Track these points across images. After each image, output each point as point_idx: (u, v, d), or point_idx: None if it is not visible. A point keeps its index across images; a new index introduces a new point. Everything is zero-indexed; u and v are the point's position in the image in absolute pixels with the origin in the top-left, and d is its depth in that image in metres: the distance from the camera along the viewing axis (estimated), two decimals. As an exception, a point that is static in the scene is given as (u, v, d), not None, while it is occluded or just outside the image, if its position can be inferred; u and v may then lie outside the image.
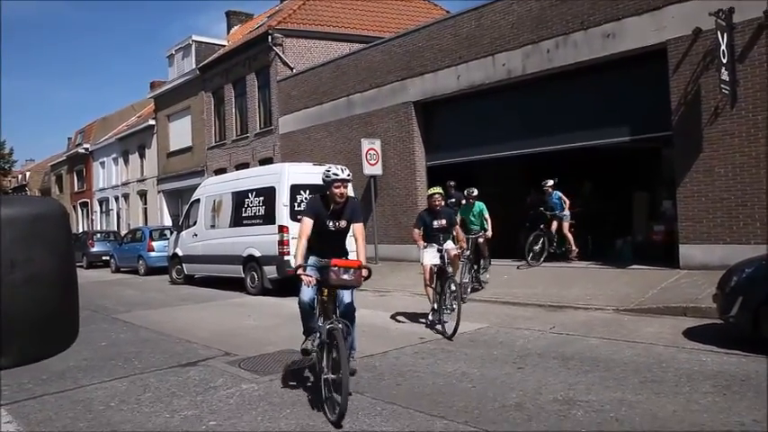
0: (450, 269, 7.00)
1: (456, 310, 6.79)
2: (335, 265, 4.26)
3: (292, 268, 10.96)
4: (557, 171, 12.03)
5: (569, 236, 11.64)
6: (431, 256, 7.15)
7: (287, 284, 11.33)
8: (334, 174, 4.56)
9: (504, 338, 6.65)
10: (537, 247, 11.45)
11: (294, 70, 19.62)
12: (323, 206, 4.65)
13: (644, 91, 10.53)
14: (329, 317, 4.45)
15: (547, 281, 10.12)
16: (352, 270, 4.27)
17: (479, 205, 9.96)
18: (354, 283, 4.29)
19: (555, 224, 11.60)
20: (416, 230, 7.30)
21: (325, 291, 4.48)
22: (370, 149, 14.92)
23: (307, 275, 4.38)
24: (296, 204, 11.24)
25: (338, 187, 4.57)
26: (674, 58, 9.73)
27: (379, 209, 15.26)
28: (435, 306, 7.19)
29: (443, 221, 7.27)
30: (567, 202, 11.62)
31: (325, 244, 4.66)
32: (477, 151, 13.45)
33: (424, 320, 7.56)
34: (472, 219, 9.94)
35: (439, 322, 7.06)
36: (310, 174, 11.74)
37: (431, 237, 7.22)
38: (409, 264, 13.51)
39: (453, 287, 6.94)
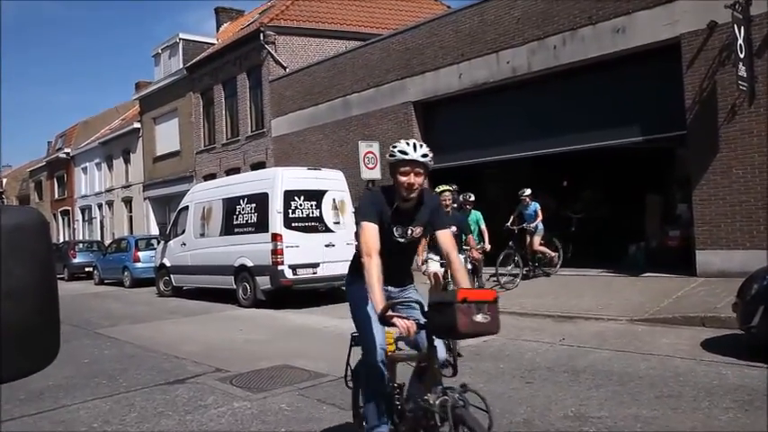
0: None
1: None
2: (466, 300, 2.61)
3: (287, 279, 11.13)
4: (566, 174, 12.05)
5: (542, 249, 11.43)
6: (436, 267, 6.61)
7: (281, 296, 11.33)
8: (401, 151, 3.01)
9: (512, 351, 6.62)
10: (508, 268, 10.93)
11: (287, 69, 19.64)
12: (386, 203, 3.11)
13: (656, 88, 10.56)
14: (436, 382, 2.86)
15: (556, 290, 10.11)
16: (486, 305, 2.67)
17: (476, 214, 9.24)
18: (493, 328, 2.69)
19: (528, 239, 11.29)
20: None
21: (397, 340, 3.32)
22: (367, 152, 14.90)
23: (403, 320, 2.79)
24: (290, 211, 11.23)
25: (406, 173, 3.00)
26: (689, 53, 9.76)
27: (378, 215, 15.23)
28: None
29: (453, 228, 6.43)
30: (540, 215, 11.33)
31: (388, 264, 3.01)
32: (481, 154, 13.46)
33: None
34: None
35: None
36: (305, 179, 11.76)
37: (436, 246, 6.47)
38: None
39: None
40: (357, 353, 3.43)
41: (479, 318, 2.65)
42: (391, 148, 3.12)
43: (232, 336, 8.54)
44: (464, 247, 6.88)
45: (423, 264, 6.67)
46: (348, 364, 3.65)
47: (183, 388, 5.66)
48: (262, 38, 19.76)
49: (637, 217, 12.68)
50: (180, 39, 25.23)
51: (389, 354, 3.29)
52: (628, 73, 10.95)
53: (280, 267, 10.97)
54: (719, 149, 9.41)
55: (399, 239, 3.18)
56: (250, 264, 11.56)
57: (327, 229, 11.62)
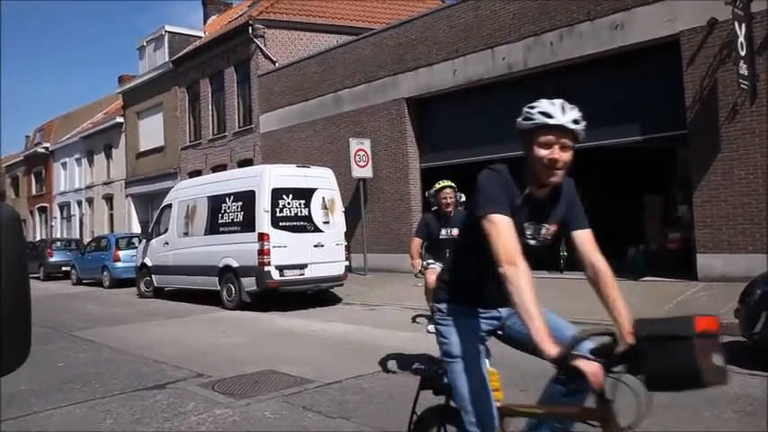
0: None
1: None
2: (706, 332, 1.87)
3: (273, 280, 11.06)
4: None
5: None
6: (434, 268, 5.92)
7: (266, 298, 11.25)
8: (543, 113, 2.23)
9: (512, 358, 6.56)
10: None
11: (277, 64, 19.57)
12: (517, 189, 2.31)
13: (656, 86, 10.56)
14: None
15: (552, 294, 10.06)
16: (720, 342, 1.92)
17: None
18: (726, 378, 1.96)
19: None
20: (416, 240, 5.97)
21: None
22: (359, 150, 14.87)
23: (589, 362, 1.97)
24: (277, 210, 11.16)
25: (548, 144, 2.23)
26: (688, 50, 9.77)
27: (369, 215, 15.20)
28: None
29: (455, 231, 5.75)
30: None
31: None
32: (476, 152, 13.41)
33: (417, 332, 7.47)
34: None
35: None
36: (294, 176, 11.69)
37: (436, 251, 5.89)
38: (401, 275, 13.43)
39: None
40: (427, 398, 2.69)
41: (718, 360, 1.85)
42: (527, 110, 2.30)
43: (215, 339, 8.47)
44: None
45: (421, 272, 5.88)
46: (414, 411, 2.74)
47: (163, 394, 5.57)
48: (250, 31, 19.68)
49: (636, 219, 12.69)
50: (166, 31, 25.09)
51: (504, 406, 2.37)
52: (626, 70, 10.96)
53: (266, 268, 10.90)
54: (721, 149, 9.42)
55: (530, 241, 2.36)
56: (235, 264, 11.48)
57: (316, 229, 11.55)
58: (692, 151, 9.87)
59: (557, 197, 2.41)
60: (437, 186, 5.95)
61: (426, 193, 13.86)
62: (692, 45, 9.74)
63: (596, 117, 11.31)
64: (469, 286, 2.42)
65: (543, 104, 2.28)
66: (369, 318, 9.74)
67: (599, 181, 14.03)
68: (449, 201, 5.86)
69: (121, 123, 28.51)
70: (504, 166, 2.42)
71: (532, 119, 2.27)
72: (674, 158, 12.11)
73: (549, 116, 2.23)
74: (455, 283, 2.48)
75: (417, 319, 8.97)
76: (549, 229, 2.43)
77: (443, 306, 2.49)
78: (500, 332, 2.50)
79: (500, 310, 2.50)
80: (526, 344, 2.19)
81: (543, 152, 2.24)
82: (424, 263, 5.88)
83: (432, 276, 5.69)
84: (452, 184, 5.92)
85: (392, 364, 5.95)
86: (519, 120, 2.33)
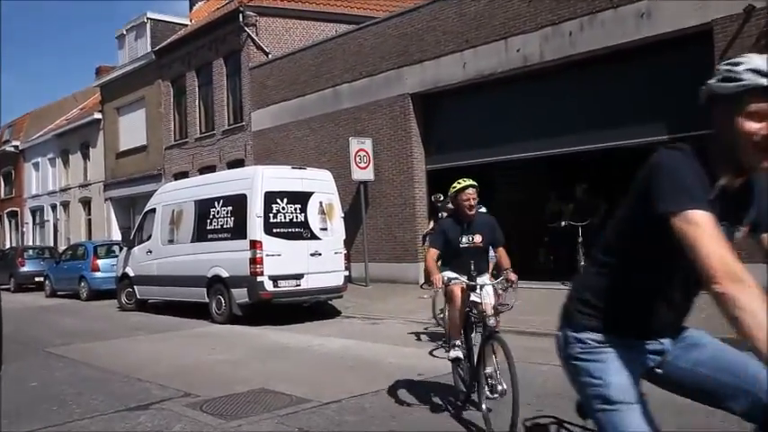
0: (491, 322, 4.94)
1: (507, 392, 4.78)
2: None
3: (266, 291, 11.12)
4: (582, 176, 12.10)
5: None
6: (489, 296, 5.35)
7: (259, 311, 11.30)
8: (754, 70, 1.84)
9: (519, 375, 6.62)
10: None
11: (270, 55, 19.67)
12: (706, 178, 1.95)
13: (685, 81, 10.54)
14: None
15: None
16: None
17: None
18: None
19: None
20: (433, 251, 5.45)
21: None
22: (359, 150, 14.95)
23: None
24: (271, 215, 11.22)
25: (763, 115, 1.84)
26: (722, 41, 9.84)
27: (371, 221, 15.27)
28: (462, 367, 5.49)
29: (478, 238, 5.47)
30: None
31: (675, 297, 2.13)
32: (487, 153, 13.51)
33: (425, 350, 7.53)
34: None
35: (467, 401, 5.29)
36: (289, 179, 11.76)
37: (457, 263, 5.37)
38: (405, 286, 13.49)
39: (499, 355, 4.91)
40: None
41: None
42: (728, 68, 1.89)
43: (203, 355, 8.51)
44: (501, 270, 5.56)
45: (440, 286, 5.30)
46: None
47: (146, 415, 5.62)
48: (241, 19, 19.79)
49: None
50: (148, 18, 25.24)
51: None
52: (653, 63, 11.02)
53: (259, 278, 10.95)
54: (755, 150, 9.47)
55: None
56: (225, 274, 11.54)
57: (313, 236, 11.62)
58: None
59: (750, 190, 1.99)
60: (457, 186, 5.41)
61: (432, 198, 13.86)
62: (726, 35, 9.80)
63: (620, 115, 11.45)
64: (634, 311, 2.04)
65: (753, 60, 1.83)
66: (370, 332, 9.78)
67: (621, 186, 14.11)
68: (472, 202, 5.36)
69: (99, 120, 28.60)
70: (687, 146, 2.00)
71: (739, 79, 1.83)
72: (705, 161, 12.16)
73: (766, 75, 1.79)
74: (612, 307, 2.04)
75: (421, 336, 9.03)
76: (742, 234, 2.04)
77: (592, 336, 2.06)
78: (658, 370, 2.15)
79: (662, 341, 2.15)
80: (696, 387, 1.99)
81: (755, 125, 1.81)
82: (445, 277, 5.25)
83: (458, 292, 5.21)
84: (475, 183, 5.40)
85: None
86: (713, 81, 1.91)
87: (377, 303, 12.37)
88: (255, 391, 6.28)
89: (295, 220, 11.53)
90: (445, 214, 11.77)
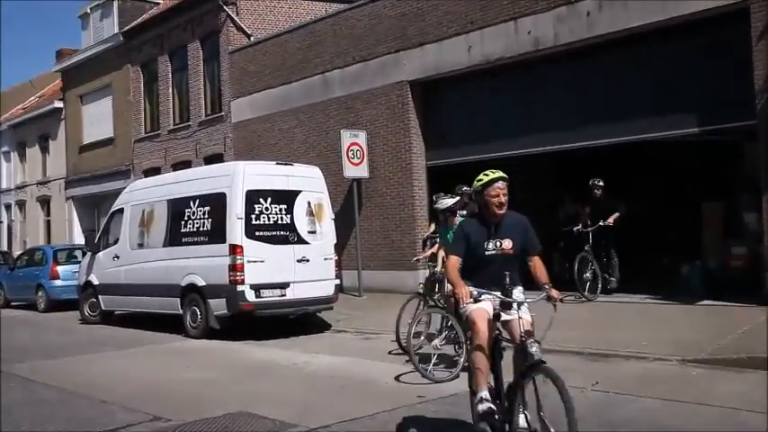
0: (534, 349, 4.48)
1: None
2: None
3: (248, 302, 11.06)
4: (601, 172, 12.07)
5: None
6: (483, 306, 4.82)
7: (240, 324, 11.26)
8: None
9: (531, 397, 6.58)
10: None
11: (252, 38, 19.65)
12: None
13: (717, 67, 10.63)
14: None
15: (589, 320, 10.11)
16: None
17: (461, 223, 8.72)
18: None
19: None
20: (455, 259, 4.93)
21: None
22: (352, 144, 14.93)
23: None
24: (253, 217, 11.17)
25: None
26: (759, 20, 9.84)
27: (365, 223, 15.24)
28: (492, 407, 4.75)
29: (508, 243, 4.94)
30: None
31: None
32: (494, 148, 13.47)
33: (421, 369, 7.39)
34: None
35: None
36: (273, 176, 11.72)
37: (481, 275, 4.88)
38: (403, 296, 13.41)
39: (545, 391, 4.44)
40: None
41: None
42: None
43: (176, 374, 8.48)
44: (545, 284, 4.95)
45: (469, 301, 4.69)
46: None
47: (112, 441, 5.59)
48: (220, -3, 19.77)
49: (692, 230, 12.74)
50: (116, -4, 25.19)
51: None
52: (681, 47, 11.02)
53: (239, 288, 10.89)
54: (796, 145, 9.48)
55: None
56: (201, 283, 11.49)
57: (300, 240, 11.58)
58: (763, 147, 9.92)
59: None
60: (484, 178, 4.88)
61: (434, 197, 13.85)
62: (763, 14, 9.79)
63: (643, 105, 11.43)
64: None
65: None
66: (363, 348, 9.74)
67: (646, 183, 14.11)
68: (502, 199, 4.83)
69: (60, 109, 28.54)
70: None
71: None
72: (739, 156, 12.16)
73: None
74: None
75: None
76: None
77: None
78: None
79: None
80: None
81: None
82: (475, 291, 4.64)
83: (482, 323, 4.71)
84: (505, 176, 4.91)
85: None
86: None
87: (371, 316, 12.33)
88: (234, 415, 6.24)
89: (280, 222, 11.48)
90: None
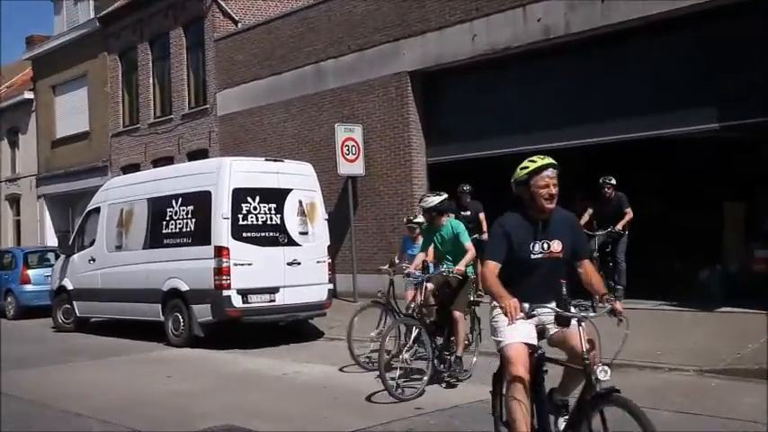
0: (603, 375, 4.03)
1: None
2: None
3: (234, 308, 11.09)
4: (614, 170, 12.11)
5: None
6: (523, 333, 4.34)
7: (225, 331, 11.28)
8: None
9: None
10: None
11: (240, 25, 19.64)
12: None
13: (740, 58, 10.67)
14: None
15: (600, 328, 10.14)
16: None
17: (454, 225, 8.11)
18: None
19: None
20: (493, 264, 4.36)
21: None
22: (347, 139, 14.94)
23: None
24: (240, 217, 11.20)
25: None
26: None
27: (360, 223, 15.26)
28: None
29: (557, 245, 4.46)
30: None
31: None
32: (500, 144, 13.51)
33: (419, 382, 7.46)
34: (441, 249, 8.15)
35: None
36: (262, 173, 11.75)
37: (526, 284, 4.38)
38: (401, 302, 13.43)
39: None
40: None
41: None
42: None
43: (157, 385, 8.50)
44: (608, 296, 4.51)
45: (520, 316, 4.10)
46: None
47: (89, 456, 5.63)
48: (205, -20, 19.80)
49: (712, 231, 12.78)
50: (92, -22, 25.18)
51: None
52: (701, 37, 11.06)
53: (225, 293, 10.92)
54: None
55: None
56: (184, 287, 11.52)
57: (291, 242, 11.61)
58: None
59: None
60: (530, 165, 4.40)
61: (423, 197, 13.81)
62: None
63: (660, 99, 11.48)
64: None
65: None
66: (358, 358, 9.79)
67: (663, 182, 14.15)
68: (553, 190, 4.33)
69: (31, 100, 28.45)
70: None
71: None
72: (763, 153, 12.21)
73: None
74: None
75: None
76: None
77: None
78: None
79: None
80: None
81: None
82: (526, 306, 4.10)
83: (520, 358, 4.26)
84: (556, 163, 4.45)
85: None
86: None
87: (367, 323, 12.35)
88: (220, 429, 6.27)
89: (269, 222, 11.51)
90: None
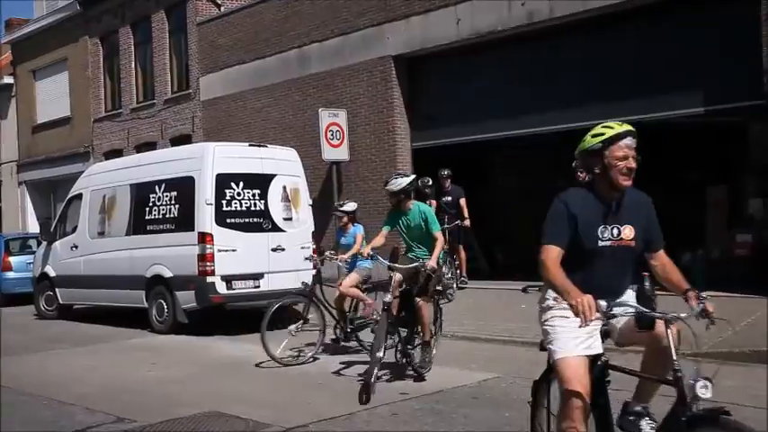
0: (704, 392, 3.30)
1: None
2: None
3: (218, 295, 11.07)
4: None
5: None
6: (586, 342, 3.67)
7: (210, 318, 11.28)
8: None
9: (521, 394, 6.62)
10: None
11: (223, 8, 19.54)
12: None
13: (724, 42, 10.72)
14: None
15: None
16: None
17: (423, 210, 7.68)
18: None
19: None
20: (553, 248, 3.67)
21: None
22: (331, 124, 14.92)
23: None
24: (224, 203, 11.18)
25: None
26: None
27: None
28: None
29: (629, 231, 3.80)
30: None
31: None
32: (485, 128, 13.54)
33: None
34: (407, 236, 7.77)
35: None
36: (246, 159, 11.71)
37: (588, 277, 3.65)
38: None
39: None
40: None
41: None
42: None
43: (141, 372, 8.50)
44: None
45: (595, 317, 3.40)
46: None
47: (72, 444, 5.63)
48: (187, -37, 19.66)
49: (694, 216, 12.87)
50: (72, -39, 24.92)
51: None
52: (685, 21, 11.10)
53: (209, 279, 10.91)
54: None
55: None
56: (168, 274, 11.50)
57: (275, 228, 11.61)
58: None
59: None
60: (607, 132, 3.72)
61: (420, 182, 13.85)
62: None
63: (645, 83, 11.52)
64: None
65: None
66: (343, 344, 9.82)
67: (646, 166, 14.19)
68: (633, 164, 3.70)
69: (11, 85, 28.22)
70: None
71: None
72: (746, 137, 12.29)
73: None
74: None
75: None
76: None
77: None
78: None
79: None
80: None
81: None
82: (603, 304, 3.38)
83: (594, 349, 3.70)
84: (635, 130, 3.77)
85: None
86: None
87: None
88: (205, 415, 6.28)
89: (253, 208, 11.49)
90: (434, 202, 11.57)
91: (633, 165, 3.72)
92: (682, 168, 13.35)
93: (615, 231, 3.75)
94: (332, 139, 14.89)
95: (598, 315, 3.37)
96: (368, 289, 9.21)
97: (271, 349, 8.35)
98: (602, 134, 3.73)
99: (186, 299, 11.24)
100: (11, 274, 17.38)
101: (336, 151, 14.97)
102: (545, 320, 3.87)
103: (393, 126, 14.76)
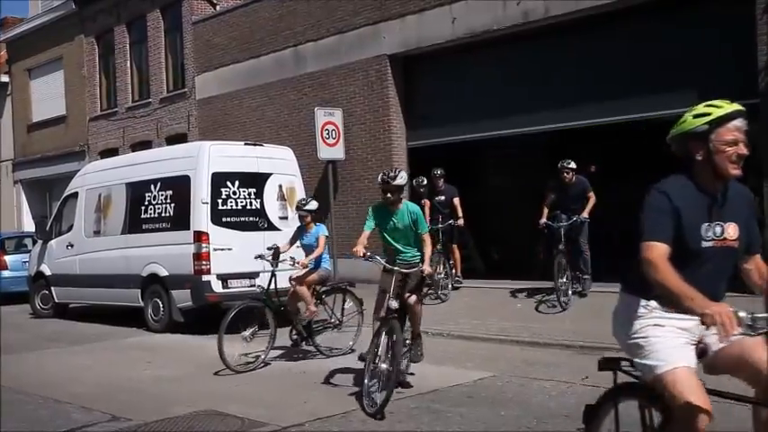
0: None
1: None
2: None
3: (214, 293, 11.06)
4: (594, 154, 12.20)
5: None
6: (688, 356, 3.21)
7: (205, 317, 11.27)
8: None
9: (516, 393, 6.71)
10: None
11: (218, 7, 19.51)
12: None
13: (718, 41, 10.74)
14: None
15: (579, 312, 10.26)
16: None
17: (412, 210, 7.30)
18: None
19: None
20: (659, 246, 3.15)
21: None
22: (327, 123, 14.92)
23: None
24: (220, 201, 11.18)
25: None
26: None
27: (340, 209, 15.27)
28: None
29: (733, 230, 3.29)
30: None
31: None
32: (480, 128, 13.56)
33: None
34: (391, 237, 7.45)
35: None
36: (242, 158, 11.71)
37: (689, 281, 3.14)
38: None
39: None
40: None
41: None
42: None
43: (137, 371, 8.51)
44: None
45: (737, 331, 2.82)
46: None
47: (67, 443, 5.63)
48: (182, -38, 19.64)
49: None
50: (67, -40, 24.89)
51: None
52: (679, 20, 11.12)
53: (205, 278, 10.92)
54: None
55: None
56: (164, 273, 11.50)
57: (271, 227, 11.61)
58: (765, 127, 10.06)
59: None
60: (715, 112, 3.22)
61: (414, 182, 13.80)
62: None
63: (640, 83, 11.54)
64: None
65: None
66: (338, 342, 9.81)
67: (638, 165, 14.21)
68: (743, 150, 3.22)
69: (6, 84, 28.13)
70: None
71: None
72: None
73: None
74: None
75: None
76: None
77: None
78: None
79: None
80: None
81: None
82: (745, 316, 2.82)
83: (677, 356, 3.15)
84: (744, 110, 3.25)
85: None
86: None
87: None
88: (200, 414, 6.29)
89: (249, 207, 11.50)
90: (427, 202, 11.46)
91: (744, 151, 3.19)
92: (674, 167, 13.37)
93: (718, 230, 3.22)
94: (328, 138, 14.90)
95: (740, 329, 2.77)
96: (325, 291, 9.25)
97: (225, 355, 8.13)
98: (708, 114, 3.20)
99: (182, 298, 11.25)
100: (6, 273, 17.34)
101: (332, 150, 14.97)
102: (634, 332, 3.28)
103: (389, 125, 14.76)
